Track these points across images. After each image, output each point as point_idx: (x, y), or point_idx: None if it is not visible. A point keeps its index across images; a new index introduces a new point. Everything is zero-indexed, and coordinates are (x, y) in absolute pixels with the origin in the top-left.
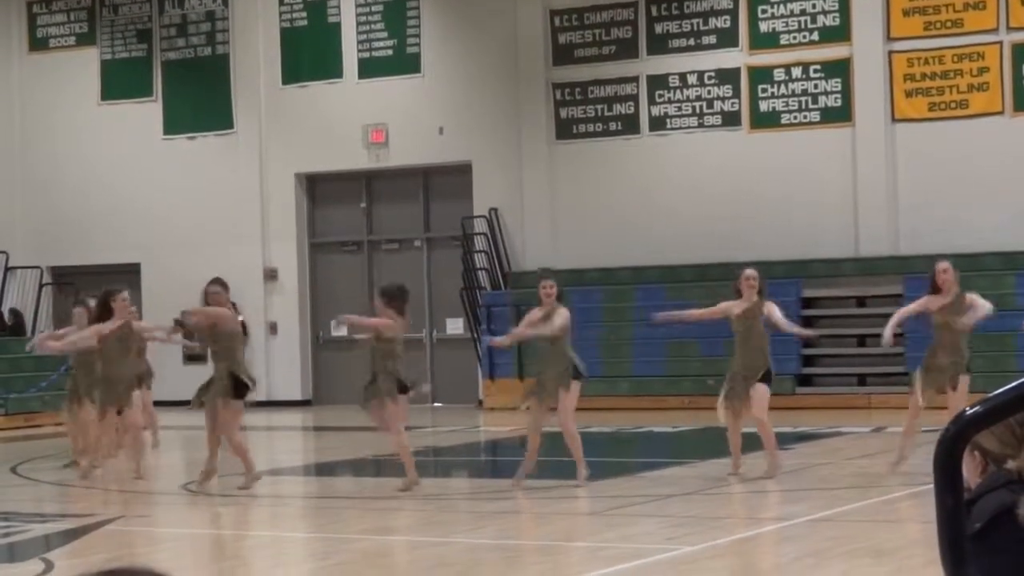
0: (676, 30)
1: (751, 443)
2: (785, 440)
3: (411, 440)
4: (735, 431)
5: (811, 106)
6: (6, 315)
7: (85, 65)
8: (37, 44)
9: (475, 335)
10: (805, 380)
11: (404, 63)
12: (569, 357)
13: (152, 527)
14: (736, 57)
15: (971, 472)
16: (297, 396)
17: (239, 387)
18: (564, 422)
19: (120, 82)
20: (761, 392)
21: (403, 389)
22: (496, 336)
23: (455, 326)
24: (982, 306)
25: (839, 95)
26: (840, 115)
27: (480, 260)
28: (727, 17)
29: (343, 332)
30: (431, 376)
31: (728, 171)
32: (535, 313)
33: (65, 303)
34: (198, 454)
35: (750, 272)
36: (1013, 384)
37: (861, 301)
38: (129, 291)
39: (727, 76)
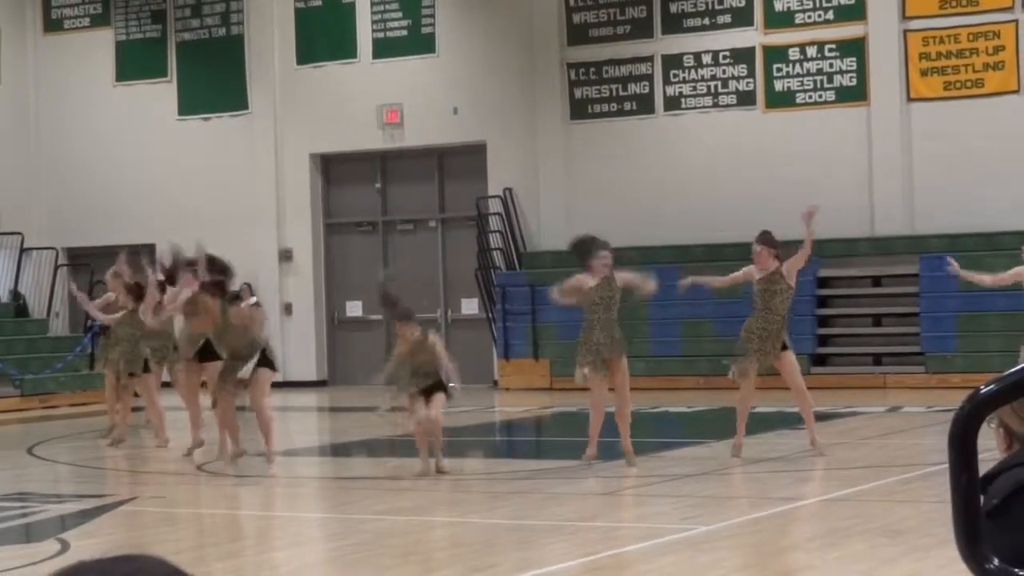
0: (691, 9)
1: (761, 423)
2: (800, 419)
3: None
4: (748, 400)
5: (826, 85)
6: (8, 297)
7: (100, 46)
8: (52, 25)
9: (490, 315)
10: (820, 360)
11: (419, 43)
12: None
13: (167, 507)
14: (751, 36)
15: (998, 448)
16: (312, 376)
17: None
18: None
19: (135, 63)
20: (792, 359)
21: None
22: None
23: (470, 306)
24: None
25: (854, 74)
26: (855, 94)
27: (495, 240)
28: None
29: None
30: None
31: (743, 151)
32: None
33: (80, 284)
34: (214, 433)
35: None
36: None
37: (877, 281)
38: (144, 273)
39: (742, 56)
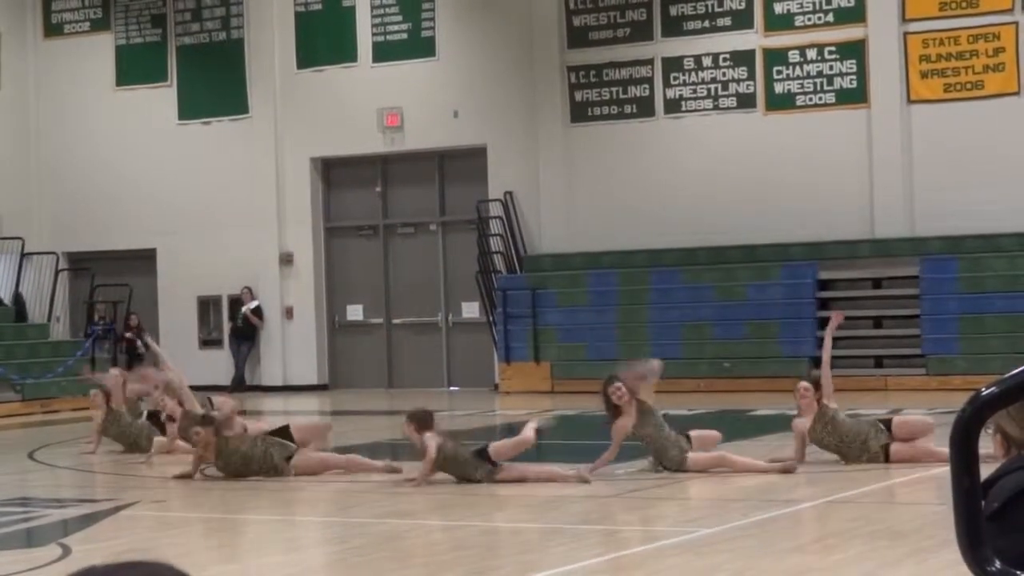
0: (691, 12)
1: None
2: None
3: None
4: None
5: (826, 88)
6: (9, 300)
7: (100, 51)
8: (52, 30)
9: (491, 319)
10: (821, 362)
11: (419, 47)
12: None
13: (168, 512)
14: (751, 39)
15: (996, 454)
16: (313, 380)
17: None
18: None
19: (135, 67)
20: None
21: None
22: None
23: (471, 310)
24: None
25: (854, 76)
26: (855, 97)
27: (495, 244)
28: None
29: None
30: (447, 362)
31: (743, 154)
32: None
33: (81, 289)
34: None
35: (803, 384)
36: None
37: (877, 283)
38: (145, 277)
39: (742, 58)
